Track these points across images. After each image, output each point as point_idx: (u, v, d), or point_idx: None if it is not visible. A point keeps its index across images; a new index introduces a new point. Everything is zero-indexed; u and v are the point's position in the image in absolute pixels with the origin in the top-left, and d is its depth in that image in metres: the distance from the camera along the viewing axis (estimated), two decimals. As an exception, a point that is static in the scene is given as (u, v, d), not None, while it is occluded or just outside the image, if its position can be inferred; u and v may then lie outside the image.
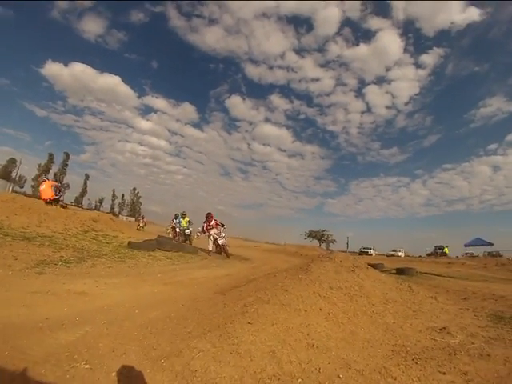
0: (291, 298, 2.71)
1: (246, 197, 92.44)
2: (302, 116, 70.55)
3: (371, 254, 28.43)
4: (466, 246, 31.59)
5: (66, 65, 57.94)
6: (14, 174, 43.71)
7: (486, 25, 55.39)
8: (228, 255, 9.19)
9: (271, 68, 67.21)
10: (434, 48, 54.12)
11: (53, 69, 58.59)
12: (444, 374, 1.74)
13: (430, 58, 54.54)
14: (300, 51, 70.76)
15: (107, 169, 78.80)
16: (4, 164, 45.37)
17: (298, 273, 3.63)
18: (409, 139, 71.25)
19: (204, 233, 9.58)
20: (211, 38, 65.42)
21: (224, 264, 7.36)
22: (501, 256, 23.02)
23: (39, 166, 48.88)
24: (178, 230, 12.92)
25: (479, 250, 28.66)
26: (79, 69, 57.61)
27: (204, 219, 9.55)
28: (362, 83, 66.06)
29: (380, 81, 70.42)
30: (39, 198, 9.64)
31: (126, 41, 63.95)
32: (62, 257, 4.44)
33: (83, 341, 1.90)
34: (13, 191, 30.63)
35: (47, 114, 68.40)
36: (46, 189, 9.20)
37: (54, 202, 9.13)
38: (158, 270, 5.04)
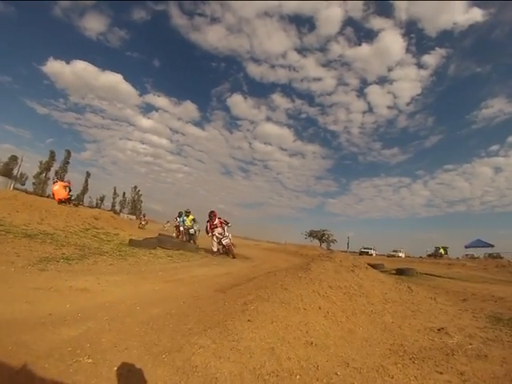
0: (291, 296, 2.73)
1: (246, 196, 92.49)
2: (304, 115, 70.66)
3: (371, 255, 28.42)
4: (466, 247, 31.61)
5: (67, 62, 58.39)
6: (15, 172, 43.94)
7: (489, 26, 55.10)
8: (234, 255, 8.78)
9: (273, 67, 67.44)
10: (437, 48, 54.13)
11: (54, 66, 58.91)
12: (441, 373, 1.75)
13: (432, 59, 54.48)
14: (302, 50, 70.68)
15: (108, 167, 78.95)
16: (5, 161, 45.50)
17: (297, 272, 3.65)
18: (410, 139, 71.05)
19: (208, 233, 9.09)
20: (213, 37, 65.99)
21: (224, 262, 7.39)
22: (501, 258, 22.97)
23: (40, 163, 49.08)
24: (181, 228, 12.39)
25: (480, 252, 28.64)
26: (81, 66, 57.83)
27: (207, 218, 9.07)
28: (364, 83, 65.92)
29: (382, 81, 70.61)
30: (52, 198, 9.95)
31: (127, 39, 64.11)
32: (64, 254, 4.48)
33: (86, 336, 1.93)
34: (14, 188, 30.76)
35: (48, 111, 68.66)
36: (60, 189, 9.53)
37: (67, 201, 9.41)
38: (158, 267, 5.07)
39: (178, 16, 66.99)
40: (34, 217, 6.43)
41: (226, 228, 8.86)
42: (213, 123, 72.90)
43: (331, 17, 58.08)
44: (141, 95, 68.72)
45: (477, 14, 49.62)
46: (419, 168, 74.14)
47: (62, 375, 1.47)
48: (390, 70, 59.05)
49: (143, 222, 19.16)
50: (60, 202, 9.18)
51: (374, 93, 60.94)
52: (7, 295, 2.49)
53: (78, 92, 69.43)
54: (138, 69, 74.64)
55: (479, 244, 30.45)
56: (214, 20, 68.28)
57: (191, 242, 11.03)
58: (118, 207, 58.86)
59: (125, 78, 62.25)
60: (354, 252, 30.27)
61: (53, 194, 9.80)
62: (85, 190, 55.83)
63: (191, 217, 11.75)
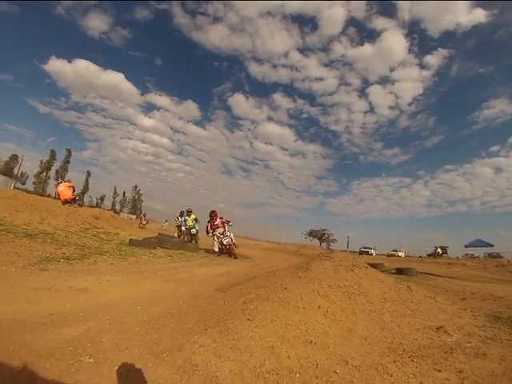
0: (290, 295, 2.74)
1: (247, 195, 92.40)
2: (305, 115, 70.65)
3: (371, 254, 28.43)
4: (466, 246, 31.66)
5: (69, 61, 58.30)
6: (15, 171, 43.94)
7: (492, 26, 54.95)
8: (235, 256, 8.54)
9: (275, 67, 67.20)
10: (439, 49, 53.93)
11: (56, 65, 58.93)
12: (439, 371, 1.76)
13: (434, 59, 54.32)
14: (304, 50, 70.97)
15: (109, 166, 78.86)
16: (6, 160, 45.49)
17: (297, 271, 3.66)
18: (411, 140, 71.02)
19: (208, 233, 8.91)
20: (215, 36, 65.87)
21: (224, 262, 7.39)
22: (501, 257, 23.02)
23: (41, 162, 49.07)
24: (183, 228, 12.21)
25: (479, 251, 28.71)
26: (83, 65, 57.78)
27: (208, 218, 8.87)
28: (366, 83, 65.47)
29: (384, 81, 70.24)
30: (58, 198, 10.08)
31: (130, 38, 64.27)
32: (64, 254, 4.49)
33: (87, 336, 1.94)
34: (14, 188, 30.78)
35: (50, 110, 68.59)
36: (65, 189, 9.72)
37: (72, 201, 9.57)
38: (158, 267, 5.08)
39: (180, 15, 66.77)
40: (35, 216, 6.44)
41: (227, 227, 8.68)
42: (214, 123, 73.10)
43: (334, 17, 57.93)
44: (142, 94, 68.45)
45: (480, 15, 49.46)
46: (420, 168, 74.47)
47: (63, 375, 1.48)
48: (392, 70, 58.99)
49: (143, 222, 19.17)
50: (65, 202, 9.28)
51: (376, 93, 60.88)
52: (8, 295, 2.50)
53: (80, 91, 69.15)
54: (139, 68, 75.06)
55: (479, 244, 30.50)
56: (217, 19, 68.00)
57: (193, 241, 10.90)
58: (118, 207, 58.97)
59: (126, 77, 62.58)
60: (354, 252, 30.29)
61: (58, 195, 9.90)
62: (85, 189, 55.87)
63: (193, 216, 11.59)
